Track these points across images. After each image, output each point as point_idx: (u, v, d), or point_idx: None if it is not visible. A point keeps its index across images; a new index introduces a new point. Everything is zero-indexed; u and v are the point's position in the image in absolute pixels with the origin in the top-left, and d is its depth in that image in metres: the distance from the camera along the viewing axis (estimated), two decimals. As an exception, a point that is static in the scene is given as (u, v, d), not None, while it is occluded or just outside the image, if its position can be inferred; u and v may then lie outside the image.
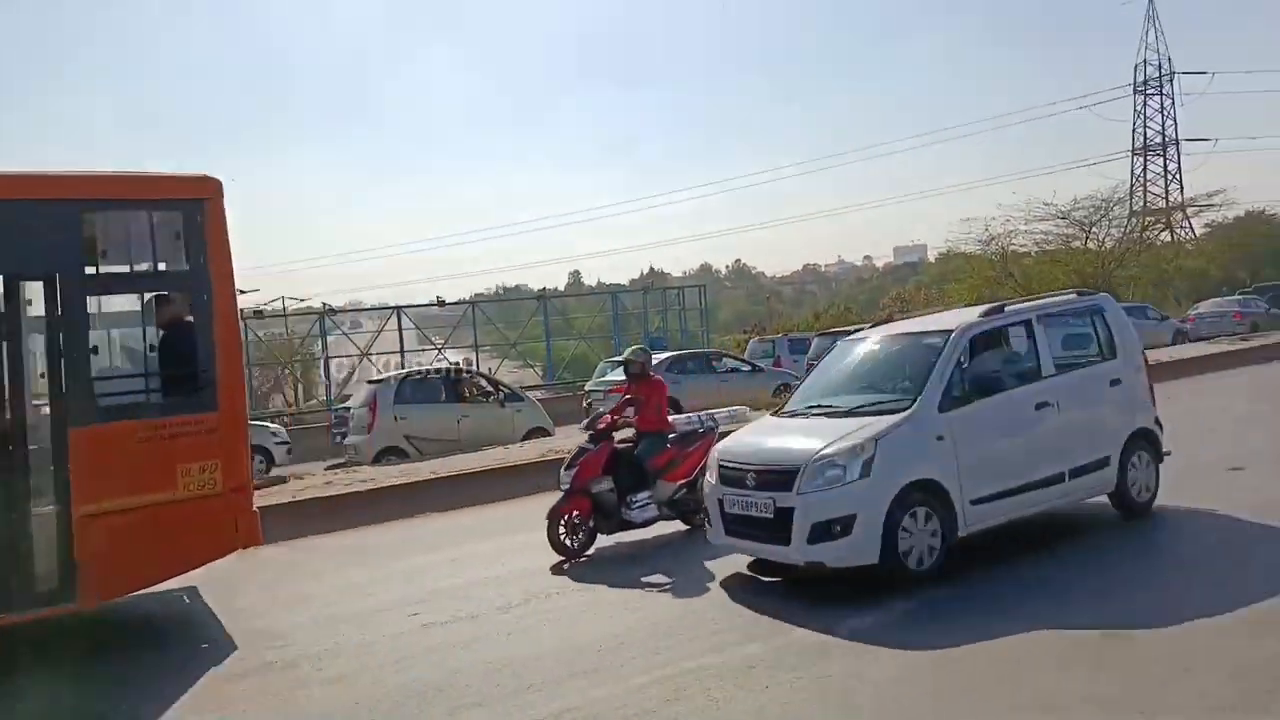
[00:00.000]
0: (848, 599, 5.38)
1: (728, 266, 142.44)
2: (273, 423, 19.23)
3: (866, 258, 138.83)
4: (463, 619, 5.81)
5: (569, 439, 13.96)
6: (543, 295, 35.60)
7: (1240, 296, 28.75)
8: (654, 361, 18.36)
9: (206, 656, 5.57)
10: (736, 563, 6.47)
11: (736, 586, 5.95)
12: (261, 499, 10.13)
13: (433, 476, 10.98)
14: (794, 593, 5.67)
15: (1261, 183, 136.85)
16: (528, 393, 18.13)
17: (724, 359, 20.35)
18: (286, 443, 17.15)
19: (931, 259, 75.16)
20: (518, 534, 8.52)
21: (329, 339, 29.81)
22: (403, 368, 24.44)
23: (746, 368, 19.56)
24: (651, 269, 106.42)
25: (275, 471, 14.33)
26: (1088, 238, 36.19)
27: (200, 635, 6.05)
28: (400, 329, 29.09)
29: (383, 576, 7.26)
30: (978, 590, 5.45)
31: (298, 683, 4.93)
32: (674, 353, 21.30)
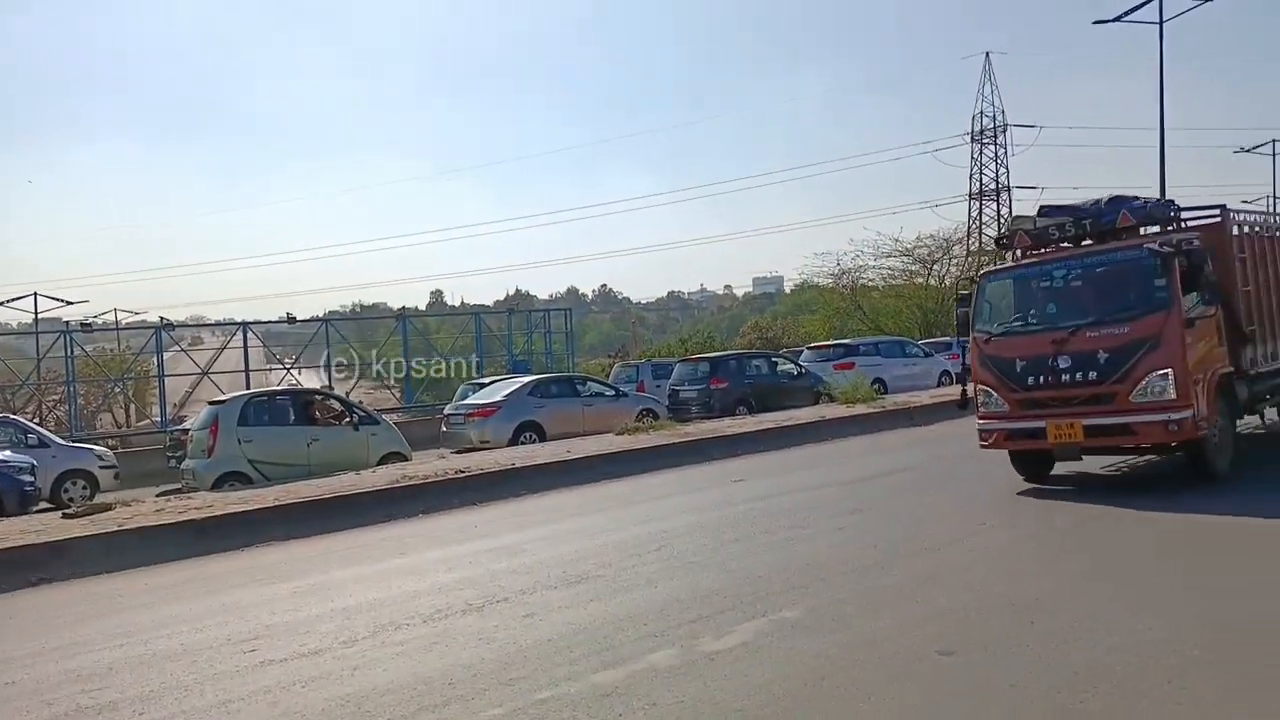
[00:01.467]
0: (707, 623, 5.43)
1: (594, 291, 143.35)
2: (98, 445, 17.73)
3: (727, 287, 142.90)
4: (303, 655, 5.49)
5: (426, 463, 13.59)
6: (402, 314, 34.63)
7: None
8: (517, 385, 18.31)
9: (15, 699, 5.03)
10: (606, 589, 6.43)
11: (599, 609, 5.90)
12: (79, 528, 9.35)
13: (276, 504, 10.41)
14: (660, 619, 5.66)
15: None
16: (384, 415, 17.53)
17: (588, 383, 20.37)
18: (113, 467, 15.89)
19: (788, 289, 77.94)
20: (368, 563, 8.20)
21: (166, 355, 27.87)
22: (248, 387, 23.19)
23: (610, 392, 19.65)
24: (518, 290, 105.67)
25: (101, 498, 13.20)
26: (929, 274, 38.62)
27: (6, 676, 5.46)
28: (246, 346, 27.57)
29: (216, 610, 6.79)
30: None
31: (112, 730, 4.51)
32: (537, 376, 21.14)
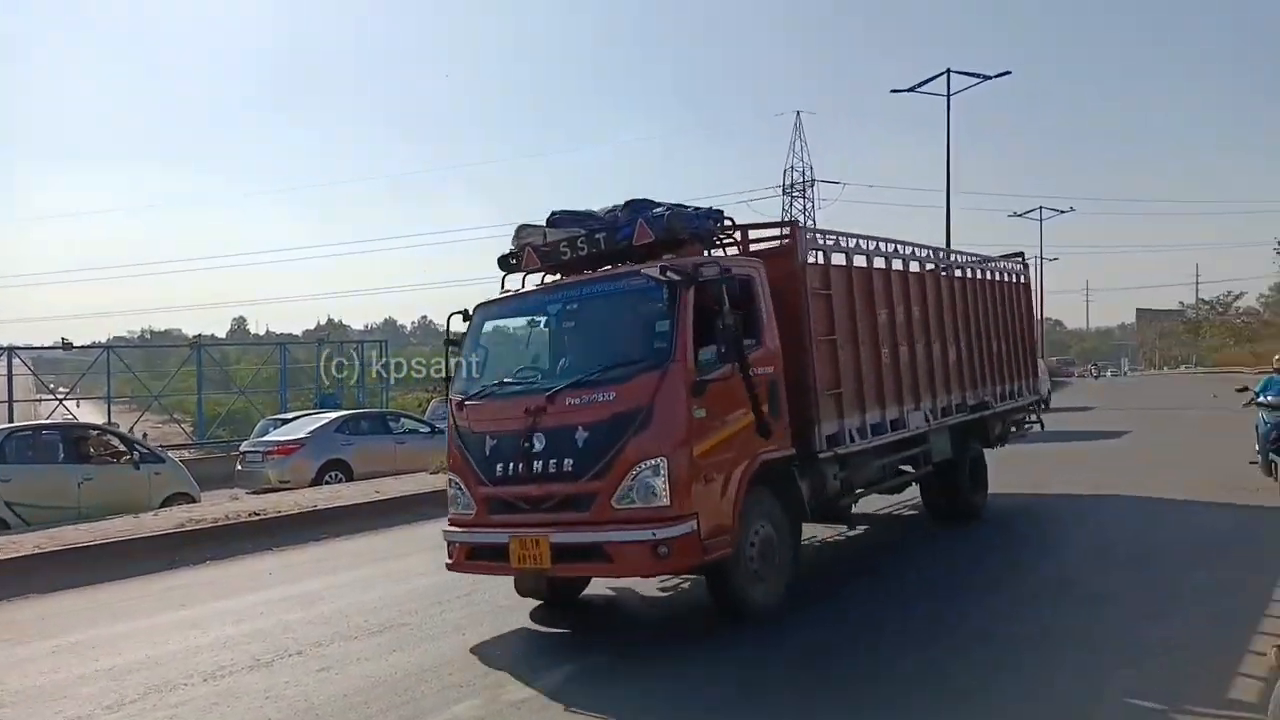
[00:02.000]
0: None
1: (413, 322, 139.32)
2: None
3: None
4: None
5: (217, 505, 12.62)
6: (197, 342, 32.23)
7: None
8: (323, 420, 17.41)
9: None
10: (411, 638, 6.18)
11: (401, 659, 5.64)
12: None
13: (37, 551, 9.33)
14: (466, 668, 5.49)
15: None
16: (170, 453, 16.16)
17: (401, 419, 19.69)
18: None
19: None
20: (143, 617, 7.48)
21: (-88, 382, 24.52)
22: (11, 420, 20.82)
23: (426, 429, 19.07)
24: (330, 320, 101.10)
25: None
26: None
27: None
28: (10, 374, 24.72)
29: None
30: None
31: None
32: (346, 411, 20.24)
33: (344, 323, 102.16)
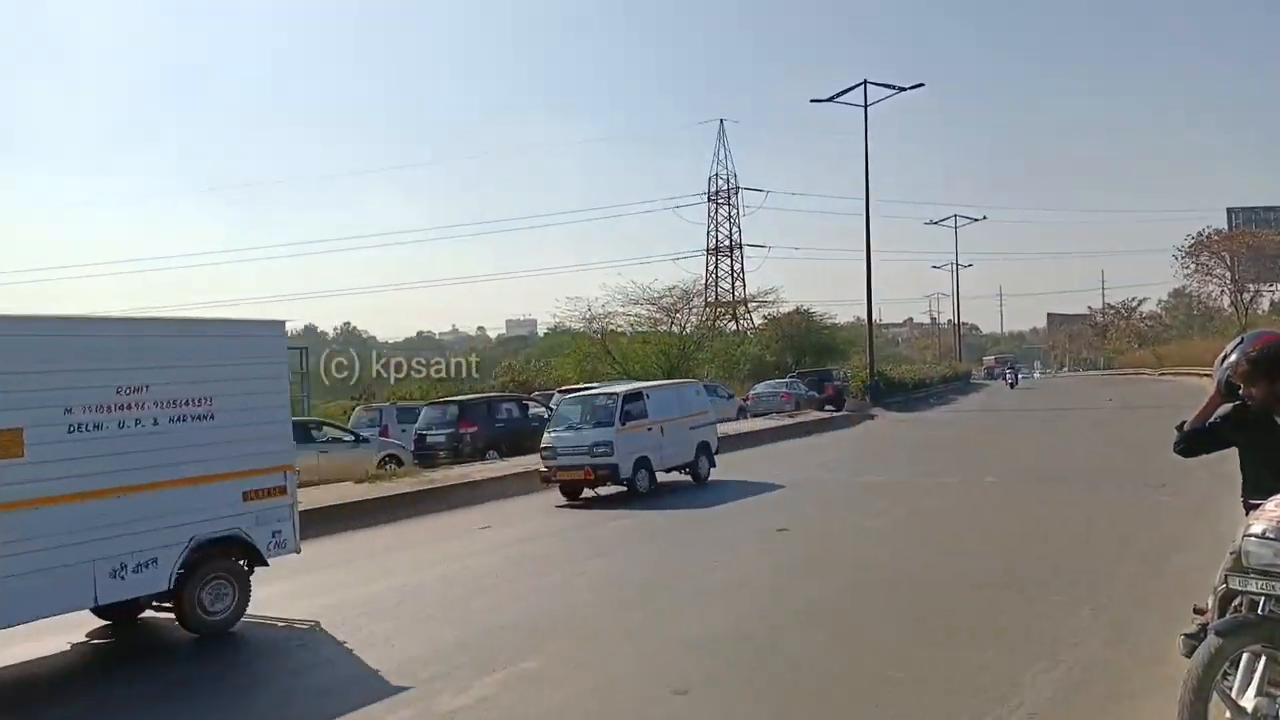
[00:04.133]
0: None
1: (336, 329, 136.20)
2: None
3: (480, 328, 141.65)
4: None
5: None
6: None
7: (788, 379, 33.99)
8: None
9: None
10: (337, 651, 6.02)
11: (328, 674, 5.49)
12: None
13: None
14: (397, 679, 5.37)
15: (802, 283, 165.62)
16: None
17: (324, 428, 19.19)
18: None
19: (541, 333, 78.74)
20: None
21: None
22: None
23: (350, 438, 18.63)
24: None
25: None
26: (672, 322, 40.67)
27: None
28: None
29: None
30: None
31: None
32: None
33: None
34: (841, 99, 31.79)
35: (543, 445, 13.74)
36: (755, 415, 28.48)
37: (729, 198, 65.83)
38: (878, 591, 6.94)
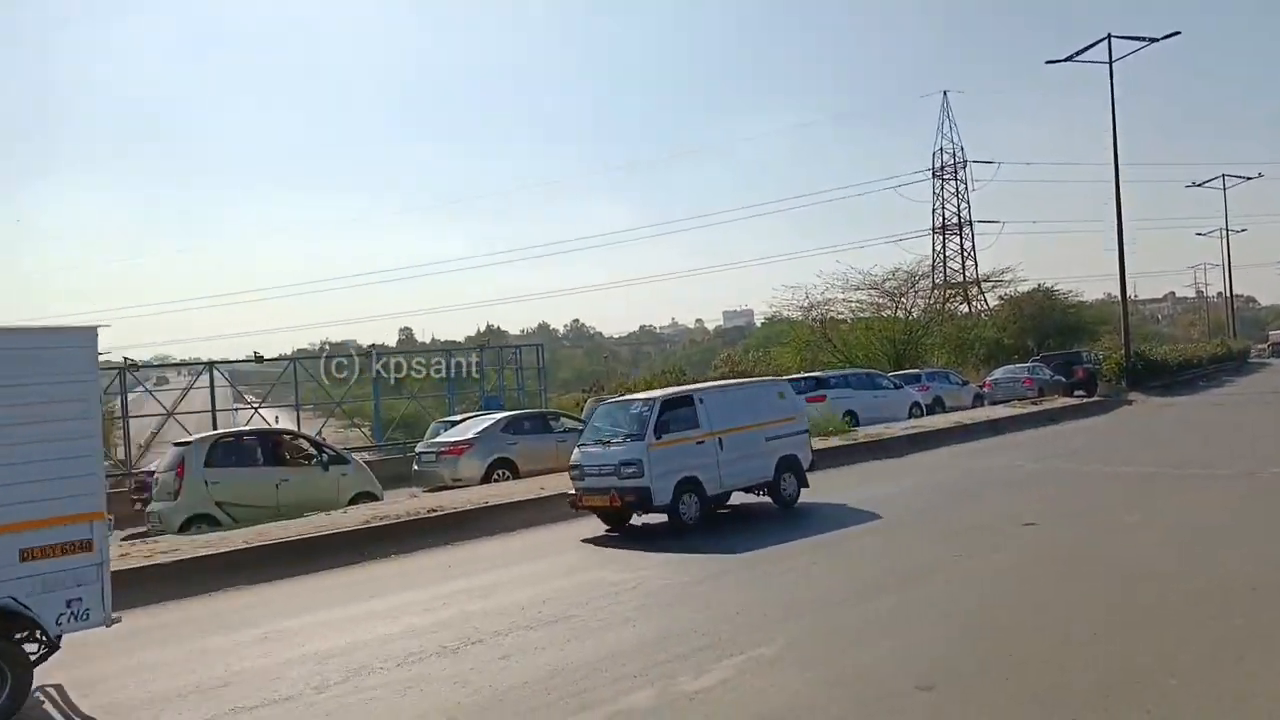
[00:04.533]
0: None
1: (566, 325, 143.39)
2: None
3: (698, 320, 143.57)
4: (273, 702, 5.38)
5: (398, 503, 13.43)
6: (371, 351, 34.34)
7: (1030, 364, 31.67)
8: (490, 422, 18.18)
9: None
10: (584, 629, 6.39)
11: (577, 649, 5.83)
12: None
13: (245, 546, 10.22)
14: (638, 658, 5.61)
15: (1042, 260, 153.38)
16: (354, 454, 17.30)
17: (561, 419, 20.26)
18: (76, 511, 15.47)
19: (759, 323, 78.59)
20: (339, 607, 8.06)
21: (130, 396, 27.39)
22: (215, 428, 22.86)
23: (584, 427, 19.55)
24: (489, 326, 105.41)
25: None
26: (897, 307, 39.10)
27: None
28: (212, 386, 27.16)
29: (185, 657, 6.63)
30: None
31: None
32: (510, 412, 21.01)
33: (502, 328, 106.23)
34: (1082, 58, 29.06)
35: (570, 462, 11.46)
36: (994, 402, 26.81)
37: (956, 172, 62.37)
38: (1145, 595, 6.34)
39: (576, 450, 11.39)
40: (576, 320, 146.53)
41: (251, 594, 8.95)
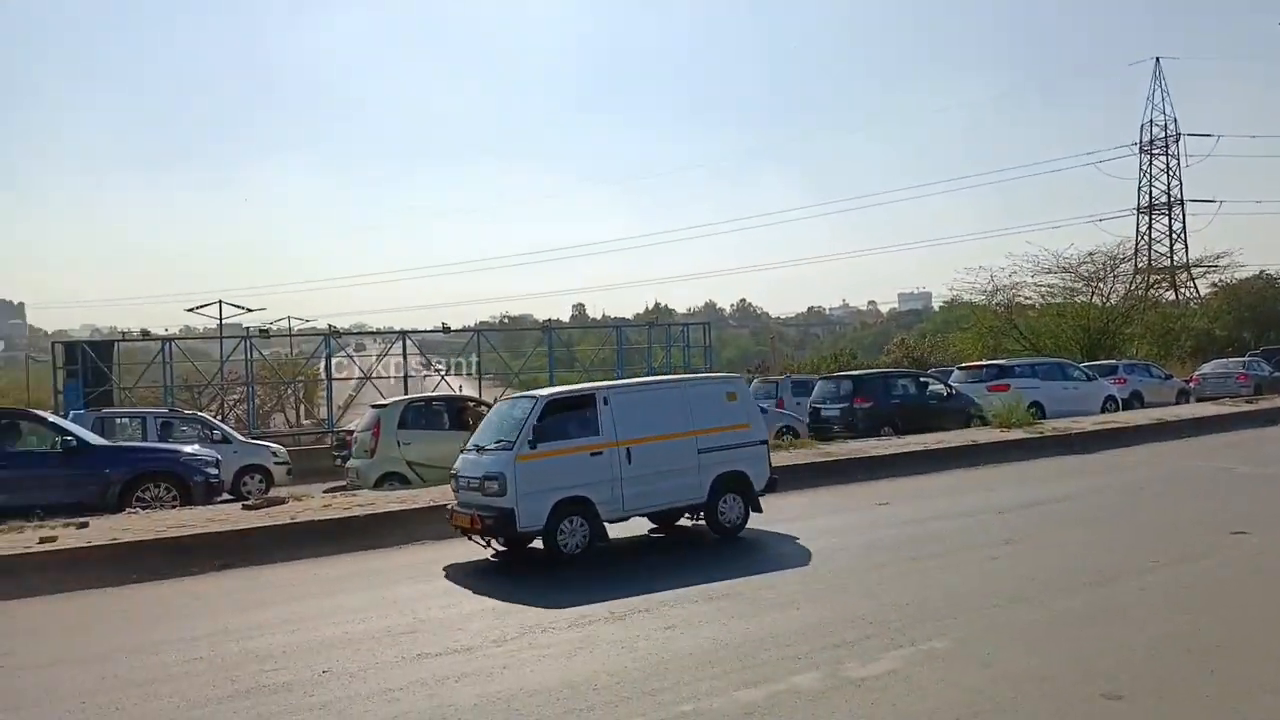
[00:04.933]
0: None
1: (732, 305, 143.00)
2: (273, 442, 19.15)
3: (871, 302, 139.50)
4: (456, 651, 5.76)
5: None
6: (548, 325, 35.65)
7: (1246, 358, 28.72)
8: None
9: (203, 673, 5.52)
10: (748, 607, 6.45)
11: (741, 626, 5.89)
12: (258, 519, 10.14)
13: (431, 504, 10.92)
14: (803, 640, 5.60)
15: (1266, 245, 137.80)
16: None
17: (727, 398, 20.31)
18: (286, 463, 17.09)
19: (937, 306, 75.35)
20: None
21: (333, 361, 29.81)
22: (406, 393, 24.45)
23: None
24: (657, 304, 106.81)
25: (275, 492, 14.25)
26: (1093, 293, 36.32)
27: (194, 652, 6.01)
28: (405, 354, 29.12)
29: (376, 603, 7.21)
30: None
31: (289, 708, 4.87)
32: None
33: (669, 306, 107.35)
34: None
35: (451, 469, 9.45)
36: (1201, 399, 24.53)
37: (1166, 147, 57.07)
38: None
39: (460, 455, 9.37)
40: (743, 300, 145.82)
41: (435, 549, 9.56)
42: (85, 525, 9.97)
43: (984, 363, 25.02)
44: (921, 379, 21.94)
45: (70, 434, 12.29)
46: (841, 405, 19.90)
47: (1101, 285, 36.26)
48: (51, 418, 13.45)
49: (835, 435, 18.58)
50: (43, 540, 9.16)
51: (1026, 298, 37.46)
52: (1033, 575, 7.01)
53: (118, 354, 27.06)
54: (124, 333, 34.13)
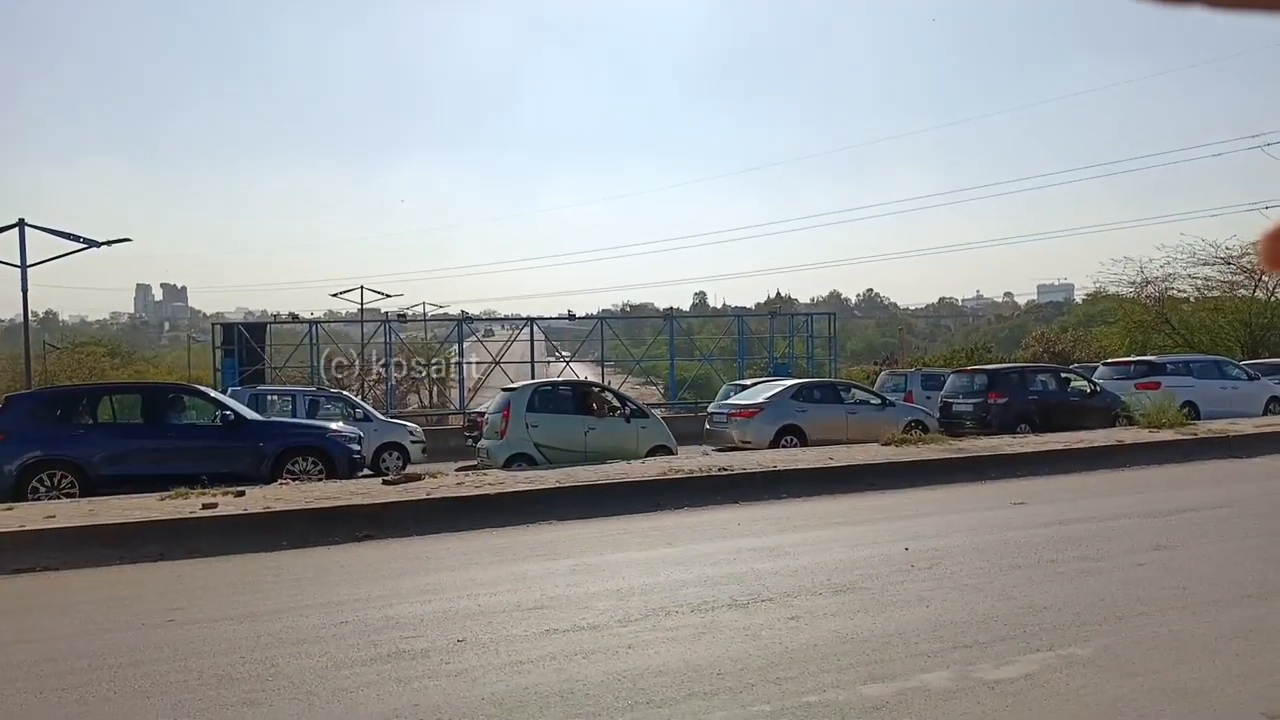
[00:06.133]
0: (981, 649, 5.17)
1: (858, 295, 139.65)
2: (409, 422, 20.08)
3: (1007, 294, 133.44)
4: (583, 628, 5.90)
5: (691, 459, 14.02)
6: (669, 314, 35.83)
7: None
8: (780, 388, 18.32)
9: (347, 637, 5.88)
10: (874, 602, 6.34)
11: (866, 620, 5.81)
12: (397, 494, 10.67)
13: (558, 485, 11.22)
14: (933, 639, 5.47)
15: None
16: (654, 410, 18.25)
17: (852, 389, 19.92)
18: (421, 442, 17.91)
19: (1079, 299, 71.45)
20: (637, 549, 8.63)
21: (464, 345, 30.95)
22: (533, 377, 25.10)
23: (876, 401, 19.07)
24: (779, 293, 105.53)
25: (411, 469, 14.96)
26: (1256, 286, 33.58)
27: (339, 616, 6.39)
28: (531, 340, 29.93)
29: (506, 578, 7.47)
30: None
31: (427, 673, 5.13)
32: (801, 380, 21.01)
33: (791, 296, 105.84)
34: None
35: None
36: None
37: (1350, 126, 51.84)
38: None
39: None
40: (870, 290, 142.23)
41: (561, 529, 9.83)
42: (242, 494, 10.75)
43: (1132, 359, 23.57)
44: (1063, 374, 20.89)
45: (229, 409, 13.25)
46: (975, 400, 19.20)
47: (1266, 279, 33.45)
48: (213, 393, 14.54)
49: (967, 431, 17.96)
50: (205, 507, 9.93)
51: (1180, 291, 35.04)
52: (1184, 585, 6.59)
53: (269, 336, 28.95)
54: (275, 315, 36.40)
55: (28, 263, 23.43)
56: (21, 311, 24.95)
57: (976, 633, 5.50)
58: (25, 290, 23.43)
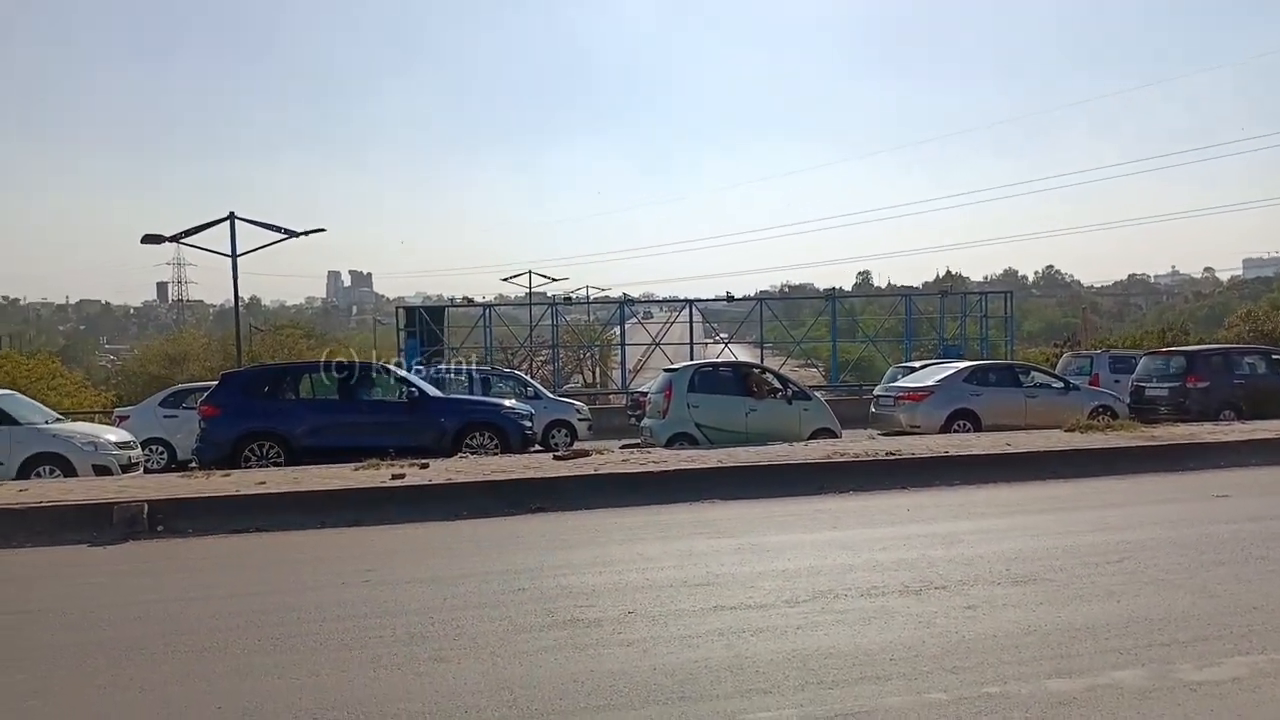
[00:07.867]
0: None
1: (1036, 273, 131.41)
2: (576, 400, 20.75)
3: (1207, 269, 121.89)
4: (750, 607, 5.95)
5: (856, 442, 13.73)
6: (831, 295, 35.05)
7: None
8: (952, 370, 17.58)
9: (525, 603, 6.20)
10: (1057, 594, 6.05)
11: (1050, 613, 5.54)
12: (567, 469, 11.08)
13: (719, 465, 11.29)
14: (1125, 635, 5.17)
15: None
16: (815, 392, 18.00)
17: (1031, 373, 18.84)
18: (587, 419, 18.49)
19: (1295, 274, 64.35)
20: (802, 532, 8.57)
21: (626, 326, 31.57)
22: (692, 358, 25.28)
23: (1058, 384, 17.96)
24: (949, 272, 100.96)
25: (578, 445, 15.48)
26: None
27: (517, 583, 6.74)
28: (690, 321, 30.12)
29: (672, 554, 7.62)
30: None
31: (601, 641, 5.33)
32: (974, 362, 20.09)
33: (963, 274, 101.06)
34: None
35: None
36: None
37: None
38: None
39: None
40: (1050, 267, 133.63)
41: (724, 509, 9.90)
42: (426, 466, 11.48)
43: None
44: (1274, 356, 18.92)
45: (414, 386, 14.16)
46: (1171, 384, 17.76)
47: None
48: (400, 372, 15.56)
49: (1161, 417, 16.64)
50: (394, 477, 10.68)
51: None
52: None
53: (447, 318, 30.61)
54: (451, 299, 38.42)
55: (237, 252, 25.79)
56: (232, 297, 27.51)
57: (1175, 630, 5.14)
58: (235, 277, 25.81)
